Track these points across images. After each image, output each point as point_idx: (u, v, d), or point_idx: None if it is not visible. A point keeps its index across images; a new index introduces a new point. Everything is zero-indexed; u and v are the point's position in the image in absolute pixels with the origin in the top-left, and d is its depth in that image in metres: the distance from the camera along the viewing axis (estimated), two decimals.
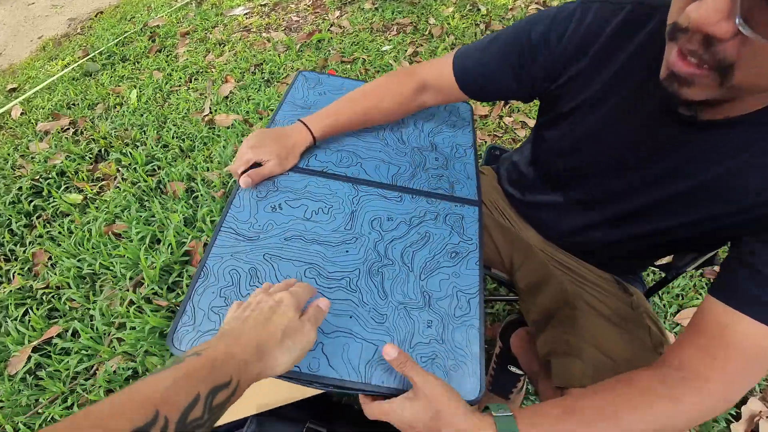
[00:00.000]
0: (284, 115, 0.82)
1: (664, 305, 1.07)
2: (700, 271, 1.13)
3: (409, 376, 0.47)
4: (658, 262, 0.73)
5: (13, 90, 2.31)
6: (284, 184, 0.69)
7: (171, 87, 2.06)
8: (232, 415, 0.74)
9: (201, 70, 2.15)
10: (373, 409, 0.49)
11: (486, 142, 1.68)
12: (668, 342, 0.63)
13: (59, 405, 1.05)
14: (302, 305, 0.49)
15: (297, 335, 0.44)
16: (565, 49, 0.54)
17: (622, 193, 0.57)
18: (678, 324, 1.04)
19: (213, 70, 2.14)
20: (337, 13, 2.50)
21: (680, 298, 1.08)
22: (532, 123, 1.74)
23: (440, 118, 0.85)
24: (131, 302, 1.22)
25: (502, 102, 1.83)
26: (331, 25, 2.38)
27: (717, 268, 0.50)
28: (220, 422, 0.74)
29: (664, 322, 1.04)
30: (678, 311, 1.06)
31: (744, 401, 0.92)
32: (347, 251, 0.62)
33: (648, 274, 1.11)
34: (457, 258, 0.63)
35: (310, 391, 0.75)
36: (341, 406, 0.96)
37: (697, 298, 1.08)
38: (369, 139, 0.79)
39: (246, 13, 2.63)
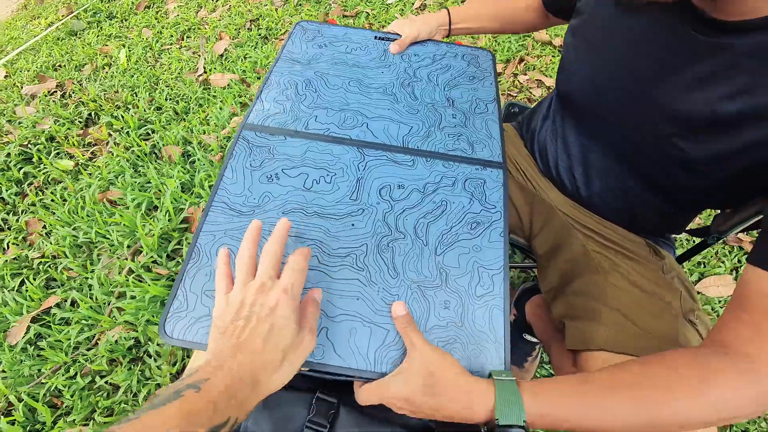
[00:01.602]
0: (280, 71, 0.73)
1: (688, 273, 1.02)
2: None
3: (406, 338, 0.44)
4: (695, 226, 0.67)
5: None
6: (281, 150, 0.61)
7: (162, 46, 1.94)
8: None
9: (193, 27, 2.01)
10: (364, 394, 0.45)
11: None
12: (699, 308, 0.58)
13: (62, 375, 1.04)
14: (299, 298, 0.43)
15: (297, 351, 0.41)
16: None
17: (644, 121, 0.51)
18: (700, 293, 1.00)
19: (206, 26, 2.00)
20: None
21: (702, 266, 1.04)
22: (547, 81, 1.63)
23: (457, 69, 0.76)
24: (130, 271, 1.18)
25: (517, 59, 1.71)
26: None
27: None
28: None
29: None
30: (699, 279, 1.01)
31: None
32: (353, 225, 0.55)
33: (681, 243, 1.06)
34: (479, 229, 0.55)
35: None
36: (347, 377, 0.94)
37: (720, 266, 1.03)
38: (376, 95, 0.70)
39: None
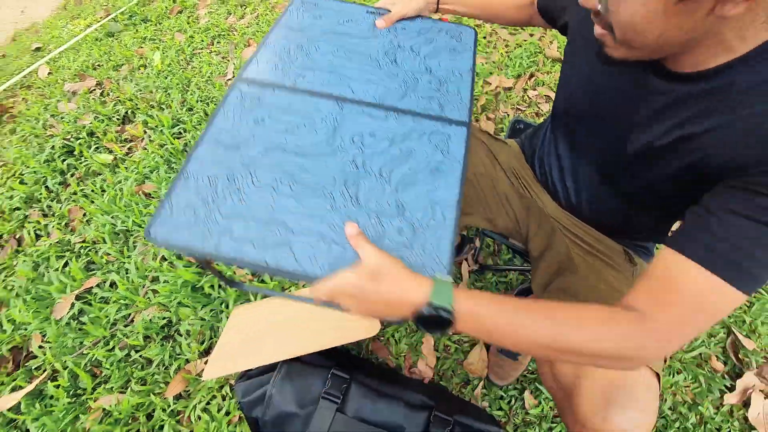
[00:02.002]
0: (277, 36, 0.80)
1: None
2: None
3: (358, 247, 0.51)
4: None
5: (38, 49, 2.32)
6: (270, 101, 0.69)
7: (193, 49, 2.06)
8: (265, 359, 0.82)
9: (223, 33, 2.14)
10: (318, 289, 0.50)
11: (509, 114, 1.67)
12: None
13: (101, 347, 1.15)
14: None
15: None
16: None
17: (611, 141, 0.60)
18: None
19: (235, 33, 2.13)
20: None
21: None
22: None
23: (440, 43, 0.83)
24: (163, 258, 1.30)
25: (527, 74, 1.80)
26: None
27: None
28: (254, 366, 0.82)
29: None
30: None
31: (740, 374, 0.97)
32: (326, 163, 0.63)
33: None
34: (438, 174, 0.63)
35: (334, 342, 0.82)
36: (360, 359, 1.04)
37: None
38: (361, 60, 0.78)
39: None
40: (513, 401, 0.99)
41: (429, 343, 1.08)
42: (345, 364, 0.88)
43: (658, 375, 0.56)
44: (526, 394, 0.99)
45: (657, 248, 0.84)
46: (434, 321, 0.47)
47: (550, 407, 0.98)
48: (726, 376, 0.98)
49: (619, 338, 0.45)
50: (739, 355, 1.00)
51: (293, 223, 0.56)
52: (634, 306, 0.47)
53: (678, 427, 0.92)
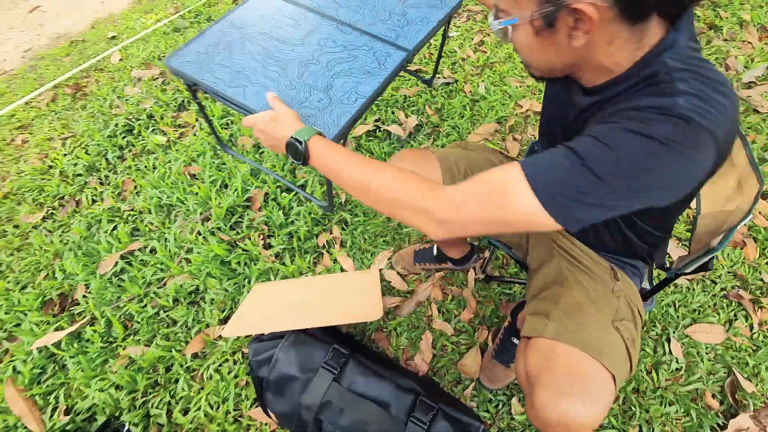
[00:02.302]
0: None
1: (677, 317, 1.11)
2: (723, 292, 1.16)
3: (271, 103, 0.76)
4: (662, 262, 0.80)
5: (113, 38, 2.59)
6: (278, 5, 0.99)
7: None
8: (278, 327, 0.92)
9: None
10: (246, 120, 0.76)
11: (535, 137, 1.73)
12: (631, 322, 0.69)
13: (135, 303, 1.28)
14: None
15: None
16: None
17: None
18: (688, 336, 1.08)
19: None
20: None
21: (698, 313, 1.12)
22: None
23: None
24: (199, 233, 1.43)
25: None
26: None
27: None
28: (268, 331, 0.92)
29: (674, 332, 1.09)
30: (691, 324, 1.10)
31: (734, 415, 0.97)
32: (293, 50, 0.90)
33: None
34: (368, 76, 0.86)
35: (340, 321, 0.90)
36: (362, 344, 1.12)
37: (714, 316, 1.11)
38: (361, 7, 1.02)
39: None
40: (500, 405, 1.03)
41: (428, 340, 1.14)
42: (347, 343, 0.96)
43: (614, 377, 0.60)
44: (514, 400, 1.03)
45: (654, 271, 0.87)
46: (294, 151, 0.68)
47: None
48: (720, 415, 0.98)
49: (413, 190, 0.57)
50: (737, 396, 0.99)
51: (254, 77, 0.85)
52: (455, 188, 0.56)
53: None
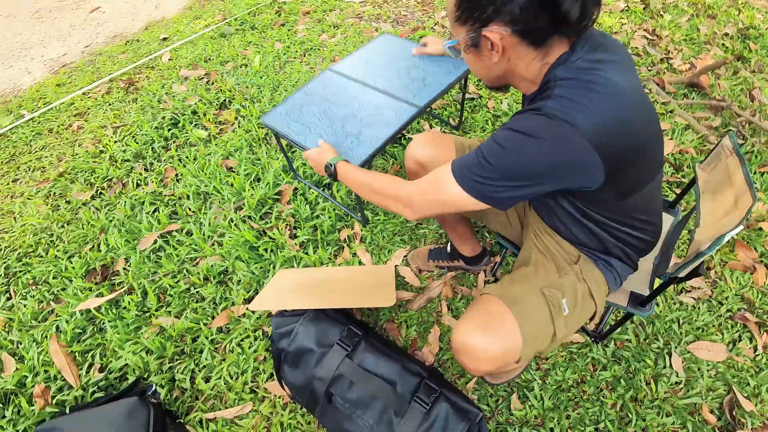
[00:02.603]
0: (357, 54, 1.53)
1: (681, 333, 1.14)
2: (729, 313, 1.18)
3: (320, 144, 1.13)
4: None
5: (165, 39, 2.81)
6: (336, 79, 1.43)
7: (288, 58, 2.41)
8: (299, 305, 1.01)
9: (314, 47, 2.47)
10: (305, 154, 1.13)
11: None
12: (558, 291, 0.79)
13: (170, 278, 1.40)
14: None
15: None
16: None
17: None
18: (689, 352, 1.11)
19: (325, 48, 2.46)
20: (443, 12, 2.69)
21: (702, 331, 1.15)
22: None
23: (442, 66, 1.39)
24: (231, 220, 1.55)
25: None
26: (435, 24, 2.58)
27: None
28: (290, 308, 1.01)
29: (676, 347, 1.12)
30: (694, 340, 1.13)
31: (731, 429, 0.99)
32: (341, 110, 1.31)
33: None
34: (386, 125, 1.23)
35: (356, 304, 0.99)
36: (370, 327, 1.20)
37: (717, 335, 1.13)
38: (390, 70, 1.43)
39: (361, 2, 2.92)
40: (500, 401, 1.08)
41: (436, 334, 1.20)
42: (360, 326, 1.04)
43: (521, 327, 0.74)
44: (513, 397, 1.08)
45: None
46: (328, 171, 1.01)
47: (534, 415, 1.05)
48: (717, 430, 1.00)
49: (391, 188, 0.82)
50: (735, 414, 1.01)
51: (313, 128, 1.27)
52: (416, 183, 0.79)
53: None
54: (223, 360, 1.21)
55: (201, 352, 1.24)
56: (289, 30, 2.69)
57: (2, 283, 1.47)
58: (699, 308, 1.19)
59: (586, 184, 0.65)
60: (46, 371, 1.22)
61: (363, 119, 1.26)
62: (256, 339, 1.24)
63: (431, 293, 1.30)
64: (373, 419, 0.92)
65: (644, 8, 2.53)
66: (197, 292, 1.37)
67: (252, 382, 1.17)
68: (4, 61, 2.85)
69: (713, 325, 1.16)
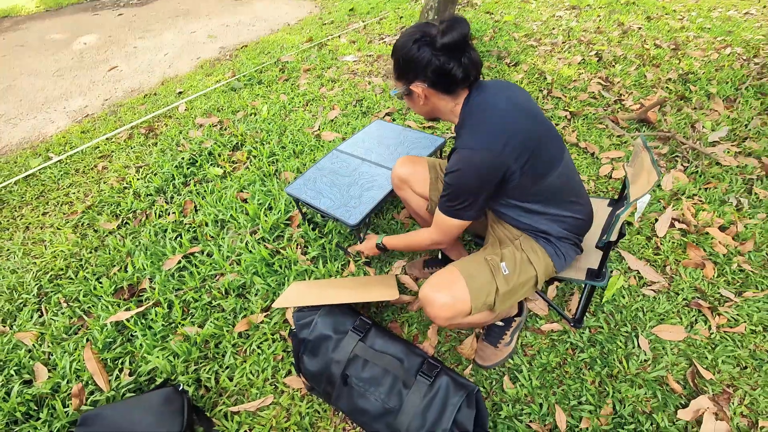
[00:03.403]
0: (355, 137, 1.90)
1: (645, 319, 1.32)
2: (685, 301, 1.37)
3: (361, 243, 1.45)
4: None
5: (180, 93, 3.14)
6: (341, 157, 1.77)
7: (292, 107, 2.73)
8: (315, 302, 1.17)
9: (315, 98, 2.81)
10: (355, 248, 1.49)
11: None
12: (497, 257, 1.06)
13: (193, 292, 1.55)
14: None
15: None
16: None
17: None
18: (654, 335, 1.28)
19: (324, 99, 2.79)
20: None
21: (662, 317, 1.33)
22: None
23: (423, 142, 1.80)
24: (247, 243, 1.73)
25: None
26: None
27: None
28: (307, 304, 1.17)
29: (642, 331, 1.29)
30: (656, 325, 1.30)
31: (695, 395, 1.14)
32: (346, 180, 1.63)
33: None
34: (380, 189, 1.56)
35: (364, 298, 1.16)
36: (378, 324, 1.35)
37: (676, 319, 1.31)
38: (382, 146, 1.81)
39: (354, 61, 3.33)
40: (494, 383, 1.22)
41: (434, 329, 1.35)
42: (369, 318, 1.20)
43: (467, 283, 1.01)
44: (505, 378, 1.21)
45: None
46: (379, 247, 1.33)
47: (525, 393, 1.19)
48: (683, 397, 1.14)
49: (426, 237, 1.14)
50: (696, 382, 1.16)
51: (324, 194, 1.57)
52: (432, 227, 1.11)
53: (633, 429, 1.09)
54: (244, 361, 1.34)
55: (224, 355, 1.36)
56: (292, 84, 3.05)
57: (35, 302, 1.60)
58: (659, 299, 1.38)
59: (509, 181, 0.95)
60: (78, 377, 1.33)
61: (362, 185, 1.59)
62: (274, 341, 1.38)
63: None
64: (384, 393, 1.06)
65: (598, 60, 2.97)
66: (218, 304, 1.52)
67: (272, 378, 1.29)
68: (29, 113, 3.12)
69: (673, 312, 1.34)
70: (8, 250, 1.86)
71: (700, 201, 1.74)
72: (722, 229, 1.61)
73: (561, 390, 1.19)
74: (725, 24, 3.46)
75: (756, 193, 1.75)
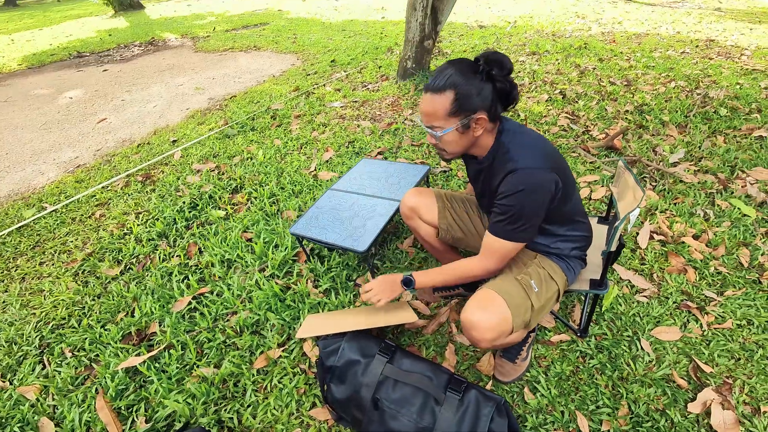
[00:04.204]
0: (350, 174, 2.05)
1: (643, 323, 1.42)
2: (675, 304, 1.49)
3: (371, 283, 1.21)
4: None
5: (174, 141, 3.22)
6: (338, 194, 1.90)
7: (287, 151, 2.85)
8: (335, 330, 1.22)
9: (309, 141, 2.95)
10: (367, 290, 1.20)
11: None
12: (527, 276, 1.12)
13: (207, 332, 1.54)
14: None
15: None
16: None
17: (480, 195, 1.24)
18: (653, 336, 1.38)
19: (317, 142, 2.93)
20: (410, 111, 3.32)
21: (657, 320, 1.44)
22: None
23: (408, 175, 1.97)
24: (257, 280, 1.76)
25: None
26: (405, 119, 3.18)
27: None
28: (329, 332, 1.22)
29: (642, 334, 1.39)
30: (654, 327, 1.41)
31: (700, 388, 1.22)
32: (346, 212, 1.75)
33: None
34: (381, 216, 1.68)
35: (384, 323, 1.22)
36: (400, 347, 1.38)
37: (671, 321, 1.42)
38: (374, 181, 1.95)
39: (342, 106, 3.54)
40: (515, 396, 1.26)
41: (451, 350, 1.40)
42: (391, 341, 1.24)
43: (507, 303, 1.04)
44: (525, 390, 1.26)
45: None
46: (408, 284, 1.18)
47: (546, 403, 1.24)
48: (689, 391, 1.22)
49: (477, 267, 1.11)
50: (699, 377, 1.25)
51: (328, 228, 1.67)
52: (480, 254, 1.12)
53: (650, 426, 1.15)
54: (266, 398, 1.33)
55: (244, 393, 1.35)
56: (284, 129, 3.19)
57: (36, 354, 1.54)
58: (652, 304, 1.50)
59: (557, 196, 1.03)
60: (88, 429, 1.28)
61: (364, 216, 1.70)
62: (295, 375, 1.38)
63: (441, 318, 1.53)
64: (416, 413, 1.08)
65: (563, 98, 3.29)
66: (233, 342, 1.52)
67: (296, 411, 1.28)
68: (17, 165, 3.10)
69: (666, 314, 1.46)
70: (4, 302, 1.80)
71: (672, 214, 1.93)
72: (695, 237, 1.78)
73: (578, 396, 1.24)
74: (666, 62, 3.94)
75: (718, 205, 1.96)
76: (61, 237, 2.18)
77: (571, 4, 7.70)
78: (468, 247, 1.40)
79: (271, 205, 2.23)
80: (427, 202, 1.39)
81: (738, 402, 1.18)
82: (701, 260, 1.66)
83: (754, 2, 7.27)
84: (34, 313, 1.72)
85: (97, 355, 1.51)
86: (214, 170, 2.68)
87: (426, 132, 1.08)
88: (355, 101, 3.61)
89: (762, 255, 1.65)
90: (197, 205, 2.29)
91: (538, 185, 0.98)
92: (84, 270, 1.93)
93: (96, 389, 1.39)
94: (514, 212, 1.00)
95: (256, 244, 1.91)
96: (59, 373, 1.46)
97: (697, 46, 4.51)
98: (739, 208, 1.90)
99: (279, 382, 1.36)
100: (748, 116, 2.77)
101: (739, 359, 1.30)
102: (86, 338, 1.57)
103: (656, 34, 5.21)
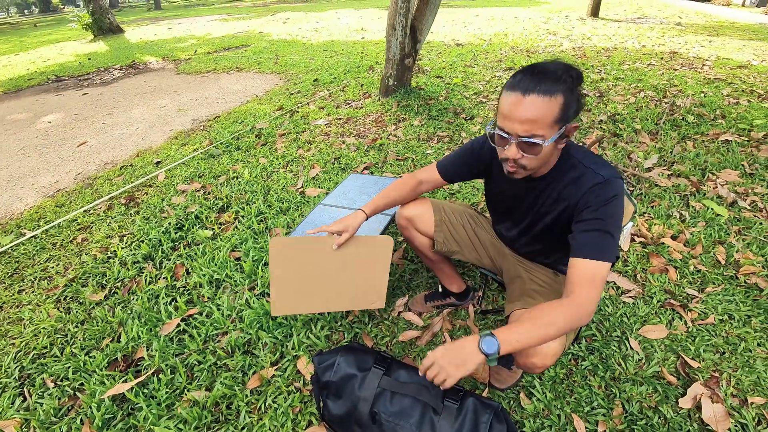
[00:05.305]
0: (337, 191, 2.07)
1: (631, 323, 1.46)
2: (659, 303, 1.54)
3: (435, 352, 0.93)
4: None
5: (158, 163, 3.19)
6: (327, 209, 1.92)
7: (273, 169, 2.85)
8: (310, 309, 1.32)
9: (295, 159, 2.97)
10: (429, 362, 0.91)
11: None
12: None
13: (197, 354, 1.51)
14: None
15: None
16: (487, 157, 1.19)
17: (519, 217, 1.18)
18: (641, 335, 1.42)
19: (303, 159, 2.95)
20: (393, 126, 3.39)
21: (644, 319, 1.48)
22: None
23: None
24: (247, 299, 1.73)
25: None
26: (389, 135, 3.23)
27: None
28: (304, 312, 1.20)
29: (631, 334, 1.43)
30: (641, 327, 1.45)
31: (689, 384, 1.26)
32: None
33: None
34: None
35: (350, 306, 1.34)
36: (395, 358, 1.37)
37: (657, 320, 1.46)
38: (359, 197, 1.96)
39: (326, 124, 3.58)
40: (511, 402, 1.27)
41: None
42: (386, 354, 1.24)
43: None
44: (521, 395, 1.27)
45: None
46: (492, 357, 0.86)
47: (542, 407, 1.25)
48: (679, 387, 1.25)
49: (569, 316, 0.88)
50: (687, 372, 1.29)
51: None
52: (567, 294, 0.91)
53: (645, 424, 1.17)
54: (260, 419, 1.30)
55: (238, 416, 1.31)
56: (270, 148, 3.20)
57: (15, 386, 1.47)
58: (638, 303, 1.54)
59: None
60: None
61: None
62: (289, 393, 1.36)
63: (434, 329, 1.54)
64: (415, 424, 1.08)
65: None
66: (224, 363, 1.48)
67: (293, 431, 1.25)
68: None
69: (652, 313, 1.50)
70: None
71: (651, 217, 2.01)
72: (674, 238, 1.85)
73: (573, 399, 1.26)
74: (635, 73, 4.15)
75: (693, 206, 2.05)
76: (41, 263, 2.11)
77: (542, 22, 8.07)
78: (463, 258, 1.41)
79: (258, 223, 2.22)
80: (423, 213, 1.36)
81: (726, 395, 1.22)
82: (681, 260, 1.72)
83: (710, 17, 7.76)
84: (14, 343, 1.65)
85: (82, 384, 1.46)
86: (199, 190, 2.66)
87: (505, 142, 0.92)
88: (339, 118, 3.66)
89: (737, 252, 1.73)
90: (183, 225, 2.27)
91: (622, 193, 0.96)
92: (66, 296, 1.87)
93: (81, 420, 1.33)
94: (612, 221, 0.92)
95: (245, 262, 1.89)
96: (41, 405, 1.40)
97: (662, 59, 4.76)
98: (712, 209, 1.99)
99: (273, 402, 1.34)
100: (713, 122, 2.93)
101: (724, 353, 1.35)
102: (70, 367, 1.51)
103: (624, 48, 5.49)
